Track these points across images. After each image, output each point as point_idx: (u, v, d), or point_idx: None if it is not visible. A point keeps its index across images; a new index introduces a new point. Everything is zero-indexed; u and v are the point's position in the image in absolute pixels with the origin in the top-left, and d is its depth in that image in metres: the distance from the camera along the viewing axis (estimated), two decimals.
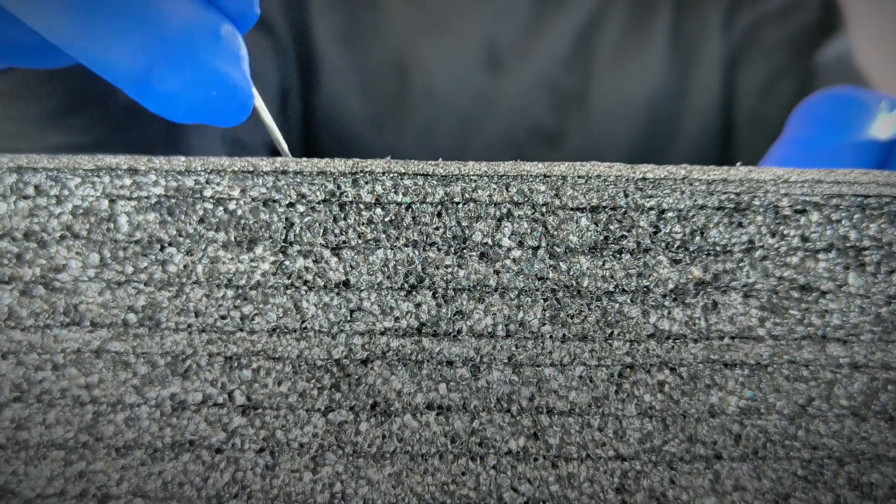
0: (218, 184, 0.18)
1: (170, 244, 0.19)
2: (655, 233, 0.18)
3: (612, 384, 0.19)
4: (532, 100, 0.52)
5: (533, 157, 0.49)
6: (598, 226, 0.18)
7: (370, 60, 0.51)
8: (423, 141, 0.51)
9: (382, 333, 0.19)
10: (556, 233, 0.18)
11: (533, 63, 0.52)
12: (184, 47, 0.17)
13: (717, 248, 0.19)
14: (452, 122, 0.51)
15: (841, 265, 0.19)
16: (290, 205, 0.19)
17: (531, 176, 0.18)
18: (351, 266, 0.19)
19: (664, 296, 0.19)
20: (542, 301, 0.19)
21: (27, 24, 0.18)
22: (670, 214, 0.18)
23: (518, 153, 0.51)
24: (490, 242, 0.18)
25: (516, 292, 0.19)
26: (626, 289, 0.19)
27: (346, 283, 0.19)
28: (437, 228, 0.18)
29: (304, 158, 0.19)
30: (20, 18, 0.18)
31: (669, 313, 0.19)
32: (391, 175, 0.18)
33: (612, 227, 0.18)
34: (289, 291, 0.19)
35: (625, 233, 0.18)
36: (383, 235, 0.19)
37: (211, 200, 0.19)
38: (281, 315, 0.19)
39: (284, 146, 0.22)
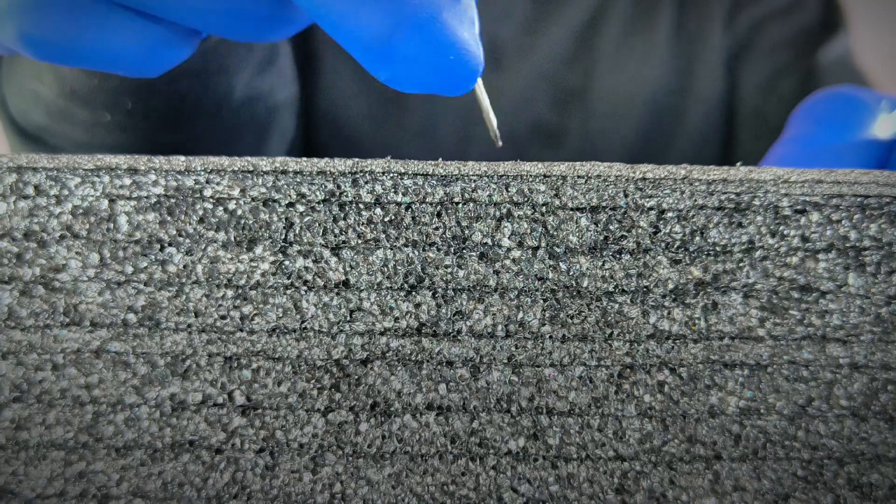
0: (218, 183, 0.18)
1: (169, 244, 0.19)
2: (655, 233, 0.18)
3: (612, 384, 0.19)
4: (533, 97, 0.52)
5: (534, 155, 0.49)
6: (597, 226, 0.18)
7: None
8: (424, 139, 0.51)
9: (382, 334, 0.19)
10: (555, 233, 0.18)
11: (534, 60, 0.52)
12: (427, 10, 0.17)
13: (717, 249, 0.18)
14: (453, 120, 0.51)
15: (841, 265, 0.19)
16: (290, 205, 0.19)
17: (531, 176, 0.18)
18: (351, 266, 0.19)
19: (664, 296, 0.19)
20: (541, 301, 0.19)
21: None
22: (670, 214, 0.18)
23: (519, 151, 0.51)
24: (490, 242, 0.18)
25: (516, 292, 0.19)
26: (625, 289, 0.19)
27: (346, 283, 0.19)
28: (436, 228, 0.18)
29: (304, 158, 0.19)
30: None
31: (669, 314, 0.19)
32: (391, 175, 0.18)
33: (611, 228, 0.18)
34: (288, 291, 0.19)
35: (625, 233, 0.18)
36: (383, 235, 0.19)
37: (211, 200, 0.19)
38: (281, 315, 0.19)
39: (494, 124, 0.22)
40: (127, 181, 0.18)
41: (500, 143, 0.22)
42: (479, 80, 0.21)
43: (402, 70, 0.17)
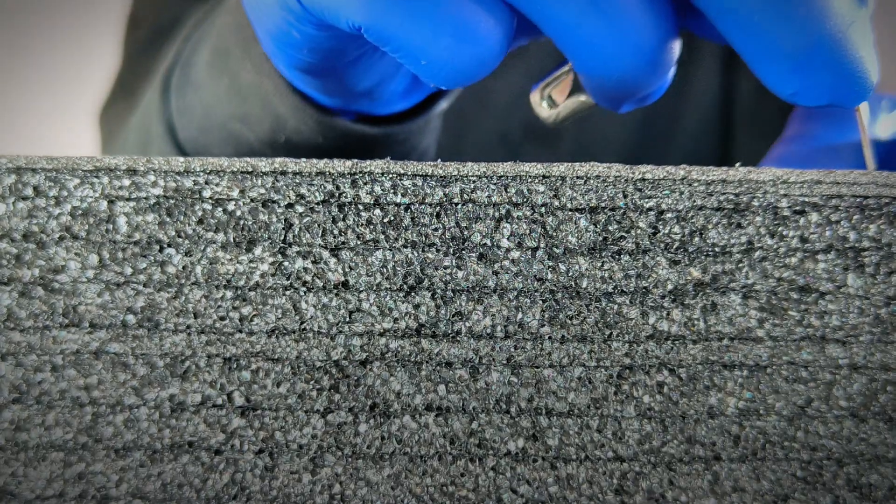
0: (217, 184, 0.18)
1: (169, 245, 0.19)
2: (654, 233, 0.18)
3: (611, 385, 0.19)
4: (527, 98, 0.51)
5: (528, 156, 0.49)
6: (596, 226, 0.18)
7: None
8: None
9: (381, 334, 0.19)
10: (554, 233, 0.18)
11: (528, 60, 0.52)
12: (838, 28, 0.18)
13: (716, 249, 0.19)
14: (446, 120, 0.51)
15: (840, 266, 0.19)
16: (289, 205, 0.19)
17: (530, 176, 0.18)
18: (350, 267, 0.19)
19: (663, 297, 0.19)
20: (541, 302, 0.19)
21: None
22: (669, 215, 0.18)
23: (513, 151, 0.51)
24: (489, 243, 0.18)
25: (515, 293, 0.19)
26: (624, 290, 0.19)
27: (345, 284, 0.19)
28: (435, 229, 0.18)
29: (303, 159, 0.19)
30: None
31: (668, 314, 0.19)
32: (390, 176, 0.18)
33: (610, 228, 0.18)
34: (288, 292, 0.19)
35: (624, 234, 0.18)
36: (382, 236, 0.19)
37: (210, 201, 0.19)
38: (280, 316, 0.19)
39: (869, 153, 0.23)
40: (126, 182, 0.18)
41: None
42: (865, 104, 0.23)
43: (810, 82, 0.18)
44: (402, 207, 0.18)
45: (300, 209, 0.18)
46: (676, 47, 0.19)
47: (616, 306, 0.19)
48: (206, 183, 0.18)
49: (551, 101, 0.24)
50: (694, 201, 0.18)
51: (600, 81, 0.20)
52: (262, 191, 0.18)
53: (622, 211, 0.18)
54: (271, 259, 0.19)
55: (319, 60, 0.24)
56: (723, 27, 0.18)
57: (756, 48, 0.18)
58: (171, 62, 0.39)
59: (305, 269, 0.19)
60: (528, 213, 0.18)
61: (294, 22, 0.22)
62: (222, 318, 0.19)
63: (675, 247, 0.19)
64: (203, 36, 0.36)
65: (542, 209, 0.18)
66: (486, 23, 0.19)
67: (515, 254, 0.18)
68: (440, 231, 0.18)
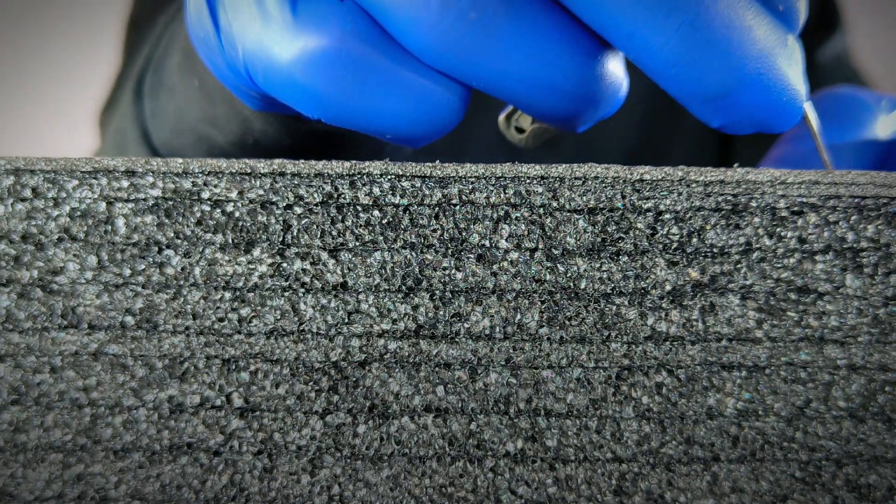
0: (216, 186, 0.18)
1: (167, 246, 0.19)
2: (653, 234, 0.18)
3: (610, 386, 0.19)
4: None
5: (527, 157, 0.49)
6: (595, 227, 0.18)
7: None
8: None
9: (380, 336, 0.19)
10: (553, 234, 0.18)
11: None
12: (765, 63, 0.18)
13: (715, 250, 0.19)
14: None
15: (838, 267, 0.19)
16: (288, 207, 0.19)
17: (528, 177, 0.18)
18: (348, 268, 0.19)
19: (661, 298, 0.19)
20: (539, 303, 0.19)
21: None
22: (668, 216, 0.18)
23: (512, 152, 0.51)
24: (487, 244, 0.18)
25: (514, 294, 0.19)
26: (623, 291, 0.19)
27: (344, 286, 0.19)
28: (434, 230, 0.18)
29: (302, 160, 0.19)
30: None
31: (667, 315, 0.19)
32: (389, 177, 0.18)
33: (609, 229, 0.18)
34: (286, 294, 0.19)
35: (622, 234, 0.18)
36: (381, 237, 0.19)
37: (208, 202, 0.19)
38: (278, 317, 0.19)
39: (823, 148, 0.23)
40: (125, 183, 0.18)
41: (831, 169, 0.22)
42: (810, 106, 0.23)
43: (736, 118, 0.18)
44: (400, 208, 0.18)
45: (299, 210, 0.18)
46: (613, 71, 0.19)
47: (615, 307, 0.19)
48: (205, 184, 0.18)
49: (518, 128, 0.24)
50: (692, 202, 0.18)
51: (543, 117, 0.20)
52: (261, 192, 0.18)
53: (620, 212, 0.18)
54: (270, 260, 0.19)
55: (277, 106, 0.25)
56: (646, 71, 0.18)
57: (679, 92, 0.18)
58: (143, 64, 0.39)
59: (304, 271, 0.19)
60: (527, 214, 0.18)
61: (249, 87, 0.22)
62: (221, 320, 0.19)
63: (673, 248, 0.19)
64: (174, 37, 0.36)
65: (541, 210, 0.18)
66: (440, 96, 0.19)
67: (514, 255, 0.19)
68: (439, 232, 0.18)
